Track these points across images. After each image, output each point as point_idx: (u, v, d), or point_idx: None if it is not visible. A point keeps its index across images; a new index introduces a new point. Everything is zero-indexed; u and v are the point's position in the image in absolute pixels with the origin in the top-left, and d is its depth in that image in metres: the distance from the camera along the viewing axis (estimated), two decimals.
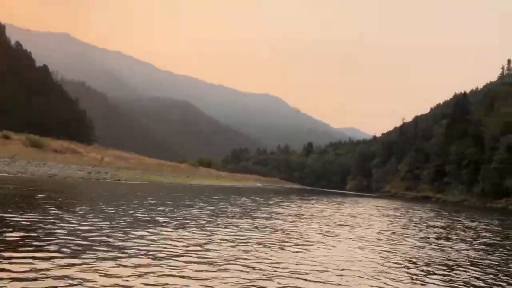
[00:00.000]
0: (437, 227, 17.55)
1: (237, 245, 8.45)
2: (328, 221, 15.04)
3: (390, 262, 8.30)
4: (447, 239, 13.01)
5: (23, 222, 8.68)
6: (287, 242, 9.46)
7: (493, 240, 14.13)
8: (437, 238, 13.01)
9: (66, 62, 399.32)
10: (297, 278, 6.32)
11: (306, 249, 8.75)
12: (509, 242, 14.55)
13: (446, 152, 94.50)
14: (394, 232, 13.73)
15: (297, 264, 7.24)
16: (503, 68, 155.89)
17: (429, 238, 12.83)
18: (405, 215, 25.13)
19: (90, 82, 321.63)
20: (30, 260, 5.75)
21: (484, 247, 11.97)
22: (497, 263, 9.53)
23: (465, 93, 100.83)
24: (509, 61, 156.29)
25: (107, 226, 9.25)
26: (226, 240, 8.99)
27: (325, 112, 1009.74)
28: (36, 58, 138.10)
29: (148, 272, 5.74)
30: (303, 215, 16.98)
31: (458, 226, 19.34)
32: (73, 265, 5.75)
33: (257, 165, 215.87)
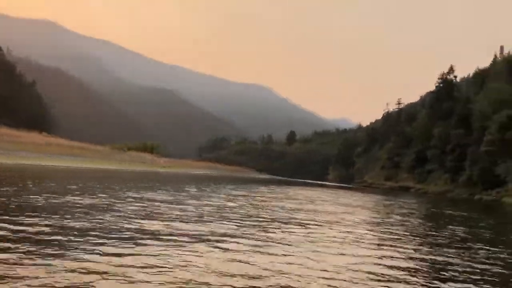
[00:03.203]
0: None
1: None
2: None
3: None
4: None
5: None
6: None
7: None
8: None
9: (47, 49, 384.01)
10: None
11: None
12: None
13: (429, 136, 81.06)
14: None
15: None
16: (495, 55, 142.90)
17: None
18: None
19: (71, 69, 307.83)
20: None
21: None
22: None
23: (451, 67, 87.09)
24: (501, 47, 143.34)
25: None
26: None
27: (316, 102, 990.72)
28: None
29: None
30: None
31: None
32: None
33: (235, 155, 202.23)
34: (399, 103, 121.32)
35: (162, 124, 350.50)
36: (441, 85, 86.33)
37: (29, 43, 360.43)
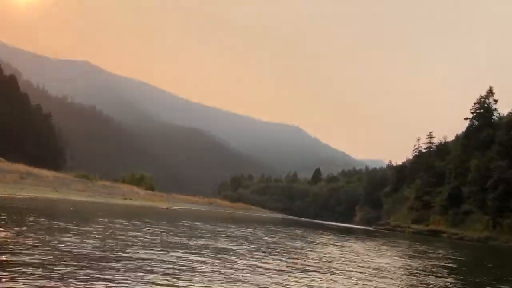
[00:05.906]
0: None
1: None
2: None
3: None
4: None
5: None
6: None
7: None
8: None
9: (85, 89, 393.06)
10: None
11: None
12: None
13: (465, 170, 67.59)
14: None
15: None
16: None
17: None
18: None
19: (105, 108, 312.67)
20: None
21: None
22: None
23: (490, 90, 73.88)
24: None
25: None
26: None
27: (349, 143, 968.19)
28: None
29: None
30: None
31: None
32: None
33: (255, 194, 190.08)
34: (430, 137, 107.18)
35: (191, 162, 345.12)
36: (478, 110, 73.23)
37: (67, 82, 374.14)
